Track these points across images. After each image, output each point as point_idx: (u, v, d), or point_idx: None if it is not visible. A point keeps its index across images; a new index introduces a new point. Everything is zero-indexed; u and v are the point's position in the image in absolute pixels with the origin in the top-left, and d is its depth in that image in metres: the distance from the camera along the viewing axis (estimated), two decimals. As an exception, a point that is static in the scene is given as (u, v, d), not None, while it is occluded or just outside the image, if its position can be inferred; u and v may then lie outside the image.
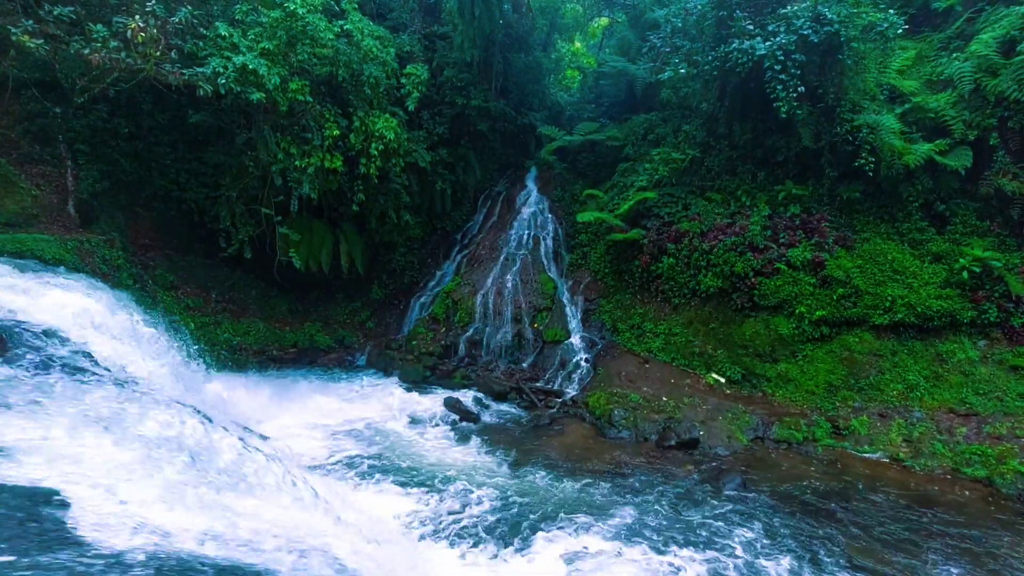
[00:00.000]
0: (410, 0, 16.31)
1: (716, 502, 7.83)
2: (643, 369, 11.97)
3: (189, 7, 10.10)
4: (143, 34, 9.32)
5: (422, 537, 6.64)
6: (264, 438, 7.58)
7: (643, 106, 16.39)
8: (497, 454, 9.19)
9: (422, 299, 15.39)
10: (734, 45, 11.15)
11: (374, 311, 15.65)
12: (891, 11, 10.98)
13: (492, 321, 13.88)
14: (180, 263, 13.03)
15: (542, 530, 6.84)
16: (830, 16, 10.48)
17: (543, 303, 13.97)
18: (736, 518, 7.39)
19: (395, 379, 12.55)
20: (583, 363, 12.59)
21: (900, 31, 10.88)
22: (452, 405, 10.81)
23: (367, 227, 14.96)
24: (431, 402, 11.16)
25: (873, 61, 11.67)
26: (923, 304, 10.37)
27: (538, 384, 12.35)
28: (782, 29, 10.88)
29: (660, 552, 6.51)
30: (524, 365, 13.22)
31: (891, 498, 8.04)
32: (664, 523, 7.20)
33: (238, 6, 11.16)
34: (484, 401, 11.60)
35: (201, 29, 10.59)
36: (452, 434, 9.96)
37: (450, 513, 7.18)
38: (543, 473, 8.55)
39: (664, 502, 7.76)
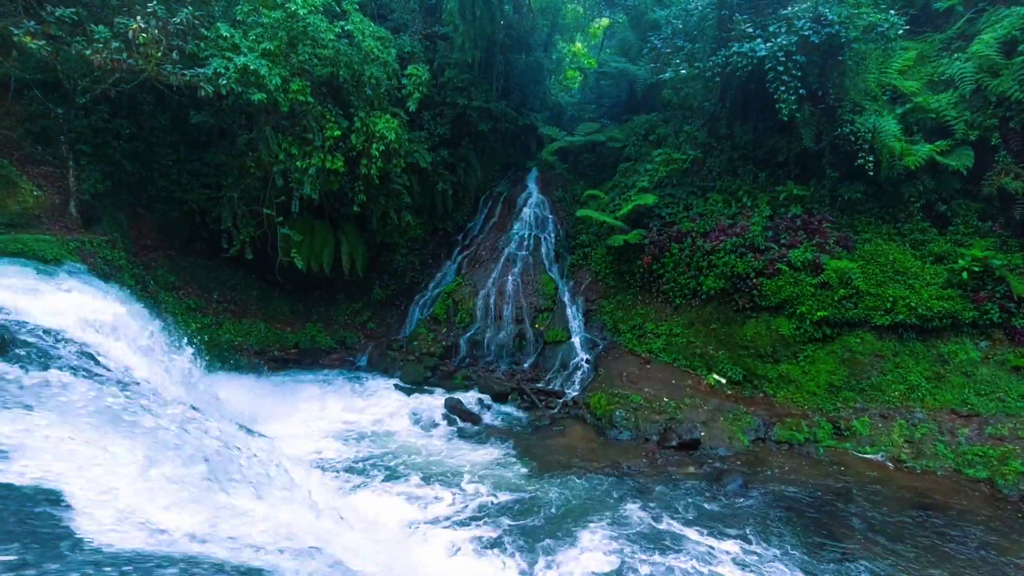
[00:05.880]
0: (411, 1, 16.33)
1: (717, 503, 7.82)
2: (644, 370, 11.97)
3: (190, 8, 10.12)
4: (144, 35, 9.35)
5: (422, 536, 6.64)
6: (265, 438, 7.58)
7: (644, 107, 16.40)
8: (498, 455, 9.18)
9: (423, 300, 15.39)
10: (735, 48, 11.14)
11: (375, 312, 15.65)
12: (892, 12, 10.97)
13: (493, 322, 13.88)
14: (182, 264, 13.04)
15: (545, 532, 6.84)
16: (831, 17, 10.48)
17: (544, 304, 13.96)
18: (737, 519, 7.38)
19: (396, 380, 12.55)
20: (584, 364, 12.59)
21: (901, 31, 10.87)
22: (453, 406, 10.81)
23: (368, 228, 14.97)
24: (432, 403, 11.16)
25: (874, 61, 11.67)
26: (924, 305, 10.36)
27: (539, 385, 12.34)
28: (783, 30, 10.88)
29: (663, 555, 6.50)
30: (525, 366, 13.21)
31: (893, 499, 8.02)
32: (666, 525, 7.19)
33: (239, 7, 11.18)
34: (485, 402, 11.60)
35: (202, 30, 10.60)
36: (453, 435, 9.95)
37: (451, 514, 7.18)
38: (543, 475, 8.54)
39: (665, 503, 7.75)
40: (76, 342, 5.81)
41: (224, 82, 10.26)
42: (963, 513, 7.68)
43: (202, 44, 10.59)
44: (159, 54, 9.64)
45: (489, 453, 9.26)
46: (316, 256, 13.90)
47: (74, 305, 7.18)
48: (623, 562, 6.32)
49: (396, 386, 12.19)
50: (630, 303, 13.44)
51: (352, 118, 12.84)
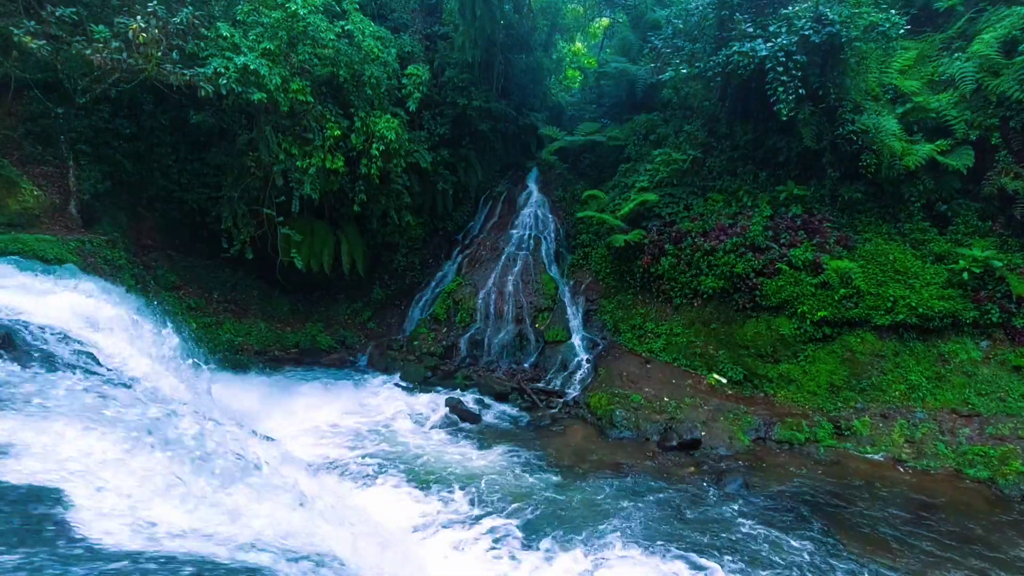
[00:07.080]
0: (411, 1, 16.32)
1: (718, 503, 7.82)
2: (644, 369, 11.96)
3: (190, 8, 10.12)
4: (144, 35, 9.35)
5: (426, 536, 6.64)
6: (266, 438, 7.57)
7: (644, 106, 16.37)
8: (499, 455, 9.18)
9: (423, 299, 15.38)
10: (735, 47, 11.13)
11: (376, 311, 15.65)
12: (892, 11, 10.96)
13: (493, 321, 13.88)
14: (182, 263, 13.04)
15: (545, 532, 6.84)
16: (831, 16, 10.47)
17: (544, 303, 13.96)
18: (738, 520, 7.38)
19: (397, 379, 12.54)
20: (584, 363, 12.58)
21: (902, 31, 10.86)
22: (453, 406, 10.80)
23: (368, 228, 14.96)
24: (432, 403, 11.16)
25: (875, 61, 11.66)
26: (925, 305, 10.36)
27: (539, 385, 12.33)
28: (783, 30, 10.87)
29: (662, 556, 6.50)
30: (525, 365, 13.21)
31: (893, 499, 8.02)
32: (666, 526, 7.19)
33: (239, 7, 11.18)
34: (485, 402, 11.60)
35: (202, 30, 10.61)
36: (453, 435, 9.94)
37: (451, 514, 7.18)
38: (544, 474, 8.54)
39: (666, 504, 7.75)
40: (78, 342, 5.80)
41: (224, 82, 10.26)
42: (965, 513, 7.68)
43: (202, 44, 10.59)
44: (159, 54, 9.64)
45: (490, 453, 9.26)
46: (316, 256, 13.89)
47: (74, 305, 7.17)
48: (625, 565, 6.32)
49: (396, 386, 12.20)
50: (630, 303, 13.44)
51: (352, 118, 12.84)
